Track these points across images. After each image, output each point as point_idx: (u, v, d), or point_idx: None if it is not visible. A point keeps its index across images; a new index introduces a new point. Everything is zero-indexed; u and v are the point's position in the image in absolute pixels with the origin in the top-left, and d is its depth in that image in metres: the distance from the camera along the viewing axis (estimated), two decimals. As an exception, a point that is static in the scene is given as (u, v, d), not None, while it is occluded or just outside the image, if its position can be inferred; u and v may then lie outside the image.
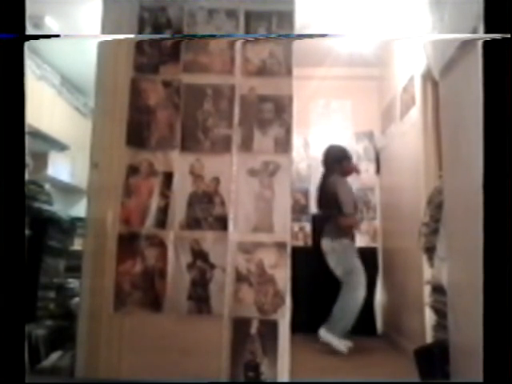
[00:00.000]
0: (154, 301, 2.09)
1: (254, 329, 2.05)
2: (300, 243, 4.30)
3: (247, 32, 2.28)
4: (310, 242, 4.29)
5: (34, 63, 3.67)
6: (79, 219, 2.77)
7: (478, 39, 1.72)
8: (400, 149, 3.70)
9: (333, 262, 3.47)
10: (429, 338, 2.70)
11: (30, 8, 1.72)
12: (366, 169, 4.45)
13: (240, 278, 2.09)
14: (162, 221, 2.14)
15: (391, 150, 4.00)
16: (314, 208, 4.26)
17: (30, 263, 2.29)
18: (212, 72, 2.23)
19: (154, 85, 2.23)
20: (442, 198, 2.28)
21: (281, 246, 2.10)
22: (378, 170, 4.41)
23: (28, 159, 2.43)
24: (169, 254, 2.12)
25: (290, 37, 2.28)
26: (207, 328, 2.06)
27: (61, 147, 3.84)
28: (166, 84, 2.23)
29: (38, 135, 3.35)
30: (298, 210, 4.28)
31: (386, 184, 4.21)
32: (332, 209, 3.54)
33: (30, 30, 2.54)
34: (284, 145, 2.19)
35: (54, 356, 2.37)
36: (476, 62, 1.70)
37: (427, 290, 2.66)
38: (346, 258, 3.47)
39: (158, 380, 1.97)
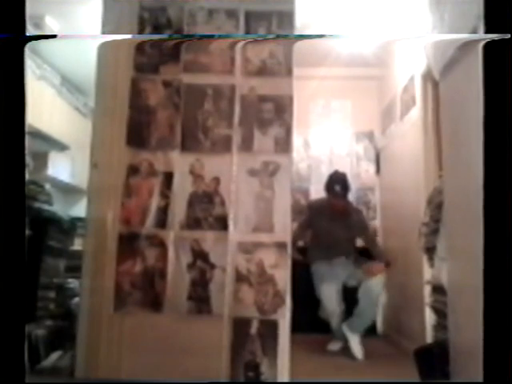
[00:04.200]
0: (154, 301, 2.09)
1: (254, 329, 2.05)
2: (300, 243, 4.29)
3: (247, 32, 2.28)
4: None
5: (34, 63, 3.66)
6: (79, 219, 2.76)
7: (478, 39, 1.72)
8: (400, 149, 3.70)
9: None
10: (429, 338, 2.70)
11: (30, 8, 1.72)
12: (366, 169, 4.45)
13: (240, 277, 2.09)
14: (162, 221, 2.14)
15: (391, 150, 3.99)
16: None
17: (30, 263, 2.29)
18: (212, 72, 2.23)
19: (154, 85, 2.23)
20: (442, 198, 2.28)
21: (281, 246, 2.10)
22: (378, 170, 4.41)
23: (28, 159, 2.43)
24: (169, 253, 2.12)
25: (290, 37, 2.28)
26: (207, 328, 2.06)
27: (61, 147, 3.82)
28: (166, 84, 2.23)
29: (38, 135, 3.34)
30: (298, 210, 4.27)
31: (386, 184, 4.21)
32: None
33: (30, 30, 2.54)
34: (284, 145, 2.19)
35: (54, 356, 2.37)
36: (476, 62, 1.70)
37: (427, 290, 2.66)
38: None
39: (158, 380, 1.97)
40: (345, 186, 3.35)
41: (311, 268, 3.39)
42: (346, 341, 3.25)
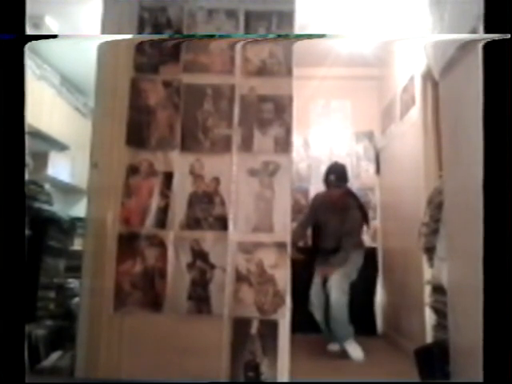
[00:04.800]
0: (154, 301, 2.09)
1: (254, 329, 2.05)
2: (300, 243, 4.29)
3: (247, 32, 2.28)
4: (310, 242, 4.29)
5: (34, 63, 3.66)
6: (79, 219, 2.76)
7: (478, 39, 1.72)
8: (400, 149, 3.70)
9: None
10: (429, 338, 2.70)
11: (30, 8, 1.72)
12: (366, 169, 4.46)
13: (240, 277, 2.09)
14: (162, 221, 2.14)
15: (391, 150, 4.00)
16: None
17: (30, 263, 2.29)
18: (212, 72, 2.23)
19: (154, 85, 2.23)
20: (442, 198, 2.28)
21: (281, 246, 2.10)
22: (378, 170, 4.41)
23: (28, 159, 2.43)
24: (169, 253, 2.12)
25: (290, 37, 2.28)
26: (207, 328, 2.06)
27: (61, 147, 3.83)
28: (166, 84, 2.23)
29: (38, 135, 3.34)
30: (298, 210, 4.27)
31: (386, 184, 4.21)
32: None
33: (29, 30, 2.54)
34: (284, 145, 2.19)
35: (54, 356, 2.37)
36: (476, 62, 1.70)
37: (427, 290, 2.66)
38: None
39: (158, 380, 1.97)
40: (339, 176, 3.36)
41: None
42: (336, 340, 3.28)
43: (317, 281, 3.37)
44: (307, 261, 3.44)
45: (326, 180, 3.39)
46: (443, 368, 2.04)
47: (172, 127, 2.20)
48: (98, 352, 2.03)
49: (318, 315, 3.34)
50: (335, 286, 3.23)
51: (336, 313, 3.20)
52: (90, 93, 2.67)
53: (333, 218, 3.37)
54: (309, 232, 3.84)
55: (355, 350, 3.11)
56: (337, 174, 3.35)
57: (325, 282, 3.31)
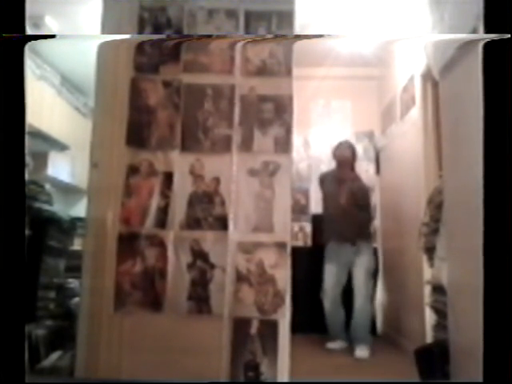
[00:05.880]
0: (154, 301, 2.09)
1: (253, 329, 2.05)
2: (300, 243, 4.30)
3: (247, 32, 2.28)
4: (309, 242, 4.29)
5: (34, 63, 3.66)
6: (79, 219, 2.76)
7: (478, 39, 1.72)
8: (400, 149, 3.70)
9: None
10: (429, 338, 2.70)
11: (30, 8, 1.72)
12: (366, 169, 4.45)
13: (240, 277, 2.09)
14: (162, 221, 2.14)
15: (391, 150, 4.00)
16: (314, 208, 4.27)
17: (30, 263, 2.29)
18: (212, 72, 2.23)
19: (154, 85, 2.23)
20: (442, 198, 2.28)
21: (281, 246, 2.10)
22: (378, 170, 4.41)
23: (28, 159, 2.42)
24: (169, 254, 2.12)
25: (290, 37, 2.28)
26: (207, 328, 2.06)
27: (61, 147, 3.83)
28: (166, 84, 2.23)
29: (38, 135, 3.34)
30: (298, 210, 4.28)
31: (386, 184, 4.21)
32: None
33: (29, 30, 2.54)
34: (284, 145, 2.19)
35: (54, 356, 2.37)
36: (476, 62, 1.70)
37: (427, 290, 2.66)
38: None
39: (158, 380, 1.97)
40: (348, 148, 3.49)
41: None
42: (341, 338, 3.29)
43: (339, 268, 3.36)
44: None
45: (335, 153, 3.52)
46: (443, 368, 2.04)
47: (172, 127, 2.20)
48: (97, 352, 2.03)
49: (329, 305, 3.35)
50: (371, 285, 3.34)
51: (365, 313, 3.27)
52: (90, 93, 2.67)
53: (349, 204, 3.40)
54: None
55: (362, 351, 3.13)
56: (345, 146, 3.51)
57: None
